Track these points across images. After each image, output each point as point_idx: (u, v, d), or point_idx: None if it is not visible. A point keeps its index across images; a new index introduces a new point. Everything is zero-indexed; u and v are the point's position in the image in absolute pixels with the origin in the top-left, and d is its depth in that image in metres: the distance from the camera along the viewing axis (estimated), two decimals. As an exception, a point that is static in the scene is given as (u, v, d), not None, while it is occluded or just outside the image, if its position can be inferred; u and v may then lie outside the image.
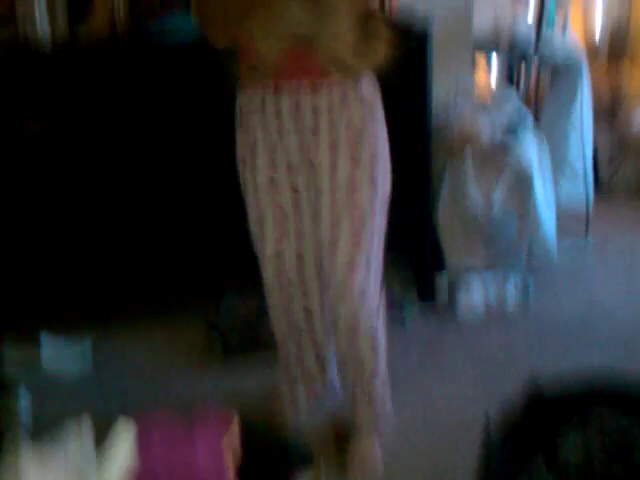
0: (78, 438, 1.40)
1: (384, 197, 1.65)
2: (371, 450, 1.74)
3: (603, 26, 4.36)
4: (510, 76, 3.29)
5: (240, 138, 1.68)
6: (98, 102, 2.33)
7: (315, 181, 1.61)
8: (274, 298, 1.75)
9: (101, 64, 2.33)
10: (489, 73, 3.36)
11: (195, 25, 2.28)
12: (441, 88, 2.49)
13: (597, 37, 4.25)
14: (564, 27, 3.05)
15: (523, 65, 3.20)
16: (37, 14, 2.37)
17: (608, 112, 3.81)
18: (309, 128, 1.57)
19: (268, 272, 1.71)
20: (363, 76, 1.59)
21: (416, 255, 2.50)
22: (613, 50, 4.30)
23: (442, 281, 2.59)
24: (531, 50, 2.95)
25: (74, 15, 2.48)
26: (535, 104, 3.23)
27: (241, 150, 1.68)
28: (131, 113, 2.36)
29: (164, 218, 2.45)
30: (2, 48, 2.33)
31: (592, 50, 4.28)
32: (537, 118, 2.99)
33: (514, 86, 3.21)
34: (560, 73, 2.99)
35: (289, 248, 1.69)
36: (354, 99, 1.56)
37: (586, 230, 3.09)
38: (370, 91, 1.61)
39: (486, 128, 2.53)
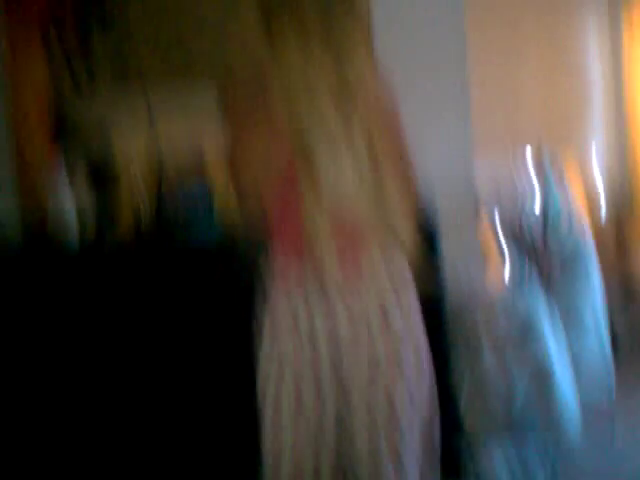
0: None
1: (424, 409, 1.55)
2: None
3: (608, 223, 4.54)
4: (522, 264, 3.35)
5: (265, 350, 1.57)
6: (119, 303, 2.34)
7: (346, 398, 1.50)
8: None
9: (125, 265, 2.37)
10: (502, 260, 3.42)
11: (221, 223, 2.41)
12: (453, 278, 2.53)
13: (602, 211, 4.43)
14: (570, 214, 3.13)
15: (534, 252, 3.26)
16: (65, 212, 2.47)
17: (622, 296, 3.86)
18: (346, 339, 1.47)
19: None
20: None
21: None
22: (617, 214, 4.42)
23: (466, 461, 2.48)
24: (539, 240, 3.02)
25: (101, 213, 2.61)
26: (547, 289, 3.25)
27: (265, 365, 1.57)
28: (152, 317, 2.35)
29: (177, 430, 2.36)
30: (29, 245, 2.40)
31: (596, 216, 4.44)
32: (552, 303, 3.00)
33: (527, 272, 3.25)
34: (569, 260, 3.05)
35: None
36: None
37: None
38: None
39: (502, 317, 2.54)
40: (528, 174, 3.30)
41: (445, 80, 2.58)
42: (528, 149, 3.40)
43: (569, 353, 2.67)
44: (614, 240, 4.14)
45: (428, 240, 2.34)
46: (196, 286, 2.34)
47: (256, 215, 1.55)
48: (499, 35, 3.71)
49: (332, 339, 1.48)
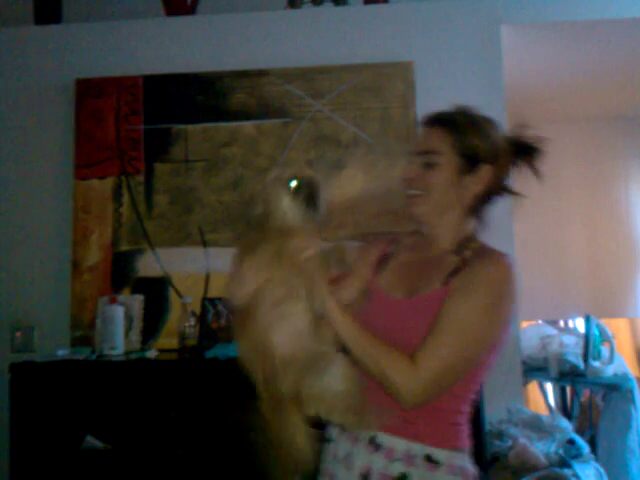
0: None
1: None
2: None
3: None
4: (564, 403, 3.33)
5: None
6: (161, 417, 2.42)
7: None
8: None
9: (168, 380, 2.46)
10: (544, 399, 3.42)
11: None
12: (493, 414, 2.53)
13: None
14: (611, 356, 3.13)
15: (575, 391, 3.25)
16: (115, 333, 2.63)
17: None
18: None
19: None
20: None
21: None
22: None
23: None
24: (580, 377, 3.02)
25: (147, 332, 2.80)
26: (590, 430, 3.19)
27: None
28: (194, 430, 2.41)
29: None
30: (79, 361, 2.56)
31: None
32: (594, 444, 2.94)
33: (568, 413, 3.23)
34: (611, 399, 3.02)
35: None
36: None
37: None
38: None
39: (540, 457, 2.50)
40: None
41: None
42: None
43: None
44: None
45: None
46: (236, 398, 2.40)
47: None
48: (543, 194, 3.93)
49: None
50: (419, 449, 1.35)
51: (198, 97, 2.99)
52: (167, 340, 2.80)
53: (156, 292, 2.88)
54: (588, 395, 3.48)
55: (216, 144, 2.96)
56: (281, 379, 1.31)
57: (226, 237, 2.91)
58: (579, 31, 3.16)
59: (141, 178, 2.95)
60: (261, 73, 2.99)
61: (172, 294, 2.88)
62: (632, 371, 3.36)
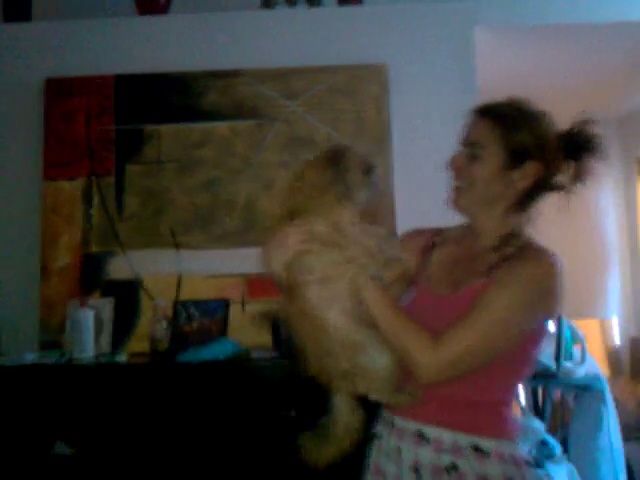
0: None
1: None
2: None
3: (623, 346, 4.57)
4: (535, 403, 3.35)
5: None
6: (134, 420, 2.39)
7: None
8: None
9: (139, 385, 2.42)
10: (516, 400, 3.43)
11: (235, 351, 2.52)
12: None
13: (619, 354, 4.44)
14: (583, 357, 3.16)
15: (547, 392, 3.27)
16: (84, 337, 2.59)
17: (637, 426, 3.76)
18: None
19: None
20: None
21: None
22: (635, 368, 4.42)
23: None
24: (552, 378, 3.04)
25: (118, 335, 2.76)
26: (562, 431, 3.22)
27: None
28: (166, 432, 2.39)
29: None
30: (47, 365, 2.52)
31: (615, 366, 4.42)
32: (566, 445, 2.96)
33: (540, 413, 3.24)
34: (583, 399, 3.04)
35: None
36: None
37: None
38: None
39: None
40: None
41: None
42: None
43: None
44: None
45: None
46: (207, 402, 2.39)
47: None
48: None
49: None
50: (466, 440, 1.34)
51: (171, 97, 2.95)
52: (138, 344, 2.76)
53: (127, 295, 2.84)
54: (560, 396, 3.51)
55: (189, 145, 2.93)
56: (335, 357, 1.32)
57: (199, 239, 2.88)
58: (552, 35, 3.19)
59: (112, 179, 2.91)
60: (235, 73, 2.96)
61: (143, 297, 2.84)
62: (603, 372, 3.40)
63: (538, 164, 1.40)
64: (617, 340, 4.56)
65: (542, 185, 1.43)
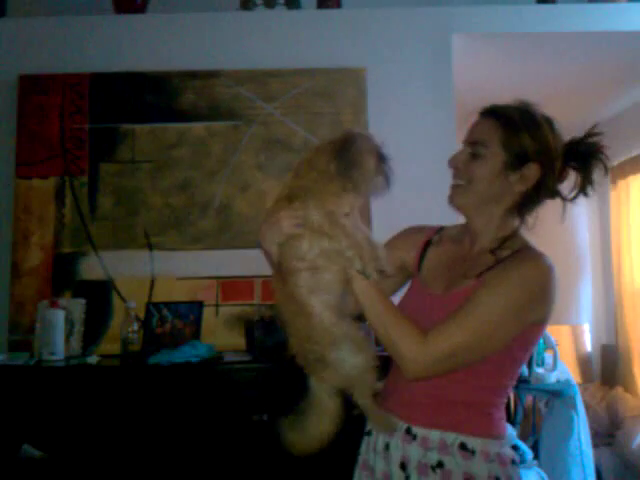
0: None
1: None
2: None
3: (594, 353, 4.62)
4: (507, 409, 3.36)
5: None
6: (104, 421, 2.36)
7: None
8: None
9: (110, 387, 2.40)
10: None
11: (209, 353, 2.50)
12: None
13: (590, 361, 4.49)
14: (554, 363, 3.18)
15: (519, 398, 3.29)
16: (55, 338, 2.55)
17: (607, 432, 3.81)
18: None
19: None
20: None
21: None
22: (606, 374, 4.47)
23: None
24: (523, 383, 3.06)
25: (89, 337, 2.72)
26: (533, 436, 3.24)
27: None
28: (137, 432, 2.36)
29: None
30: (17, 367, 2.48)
31: (586, 372, 4.46)
32: (537, 450, 2.98)
33: (511, 419, 3.26)
34: (554, 405, 3.07)
35: None
36: None
37: None
38: None
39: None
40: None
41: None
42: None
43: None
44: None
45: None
46: (179, 403, 2.37)
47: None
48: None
49: None
50: (453, 438, 1.35)
51: (147, 97, 2.92)
52: (109, 346, 2.72)
53: (98, 296, 2.80)
54: (531, 401, 3.53)
55: (164, 145, 2.91)
56: (312, 343, 1.32)
57: (172, 240, 2.85)
58: (528, 42, 3.21)
59: (85, 178, 2.87)
60: (212, 74, 2.94)
61: (115, 298, 2.81)
62: (574, 378, 3.43)
63: (538, 168, 1.41)
64: (588, 347, 4.60)
65: (541, 190, 1.43)
